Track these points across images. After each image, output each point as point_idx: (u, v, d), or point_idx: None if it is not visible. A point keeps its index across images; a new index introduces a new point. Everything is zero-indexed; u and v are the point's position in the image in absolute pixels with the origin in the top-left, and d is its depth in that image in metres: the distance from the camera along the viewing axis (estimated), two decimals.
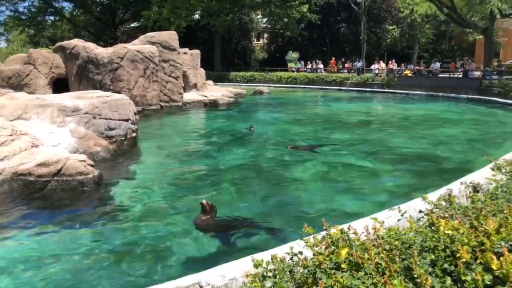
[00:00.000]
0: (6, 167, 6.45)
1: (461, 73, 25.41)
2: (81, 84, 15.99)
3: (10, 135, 7.07)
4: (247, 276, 2.02)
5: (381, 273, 1.82)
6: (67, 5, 46.35)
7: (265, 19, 44.19)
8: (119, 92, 12.82)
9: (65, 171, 6.48)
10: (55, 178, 6.42)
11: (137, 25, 43.14)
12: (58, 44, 17.85)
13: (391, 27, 42.70)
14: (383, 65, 31.79)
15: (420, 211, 2.74)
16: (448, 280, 1.78)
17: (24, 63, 16.35)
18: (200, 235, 4.92)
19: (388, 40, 43.16)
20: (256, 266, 2.01)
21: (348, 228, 2.26)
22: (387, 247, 2.02)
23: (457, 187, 4.11)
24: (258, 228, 5.09)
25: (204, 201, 5.33)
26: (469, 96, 21.29)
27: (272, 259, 2.07)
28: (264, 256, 2.32)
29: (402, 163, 8.37)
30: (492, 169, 4.28)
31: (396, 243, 2.08)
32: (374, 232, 2.21)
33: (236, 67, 40.19)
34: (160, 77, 17.13)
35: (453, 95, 22.27)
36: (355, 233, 2.21)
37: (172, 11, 33.48)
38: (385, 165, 8.11)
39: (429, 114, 16.29)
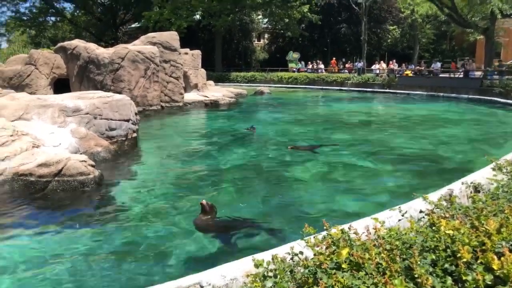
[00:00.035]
0: (7, 168, 6.46)
1: (462, 73, 25.39)
2: (82, 85, 16.02)
3: (11, 136, 7.08)
4: (247, 276, 2.02)
5: (381, 273, 1.81)
6: (68, 6, 46.44)
7: (265, 20, 44.22)
8: (120, 93, 12.84)
9: (66, 172, 6.49)
10: (56, 178, 6.43)
11: (138, 25, 43.22)
12: (59, 44, 17.89)
13: (391, 28, 42.68)
14: (384, 65, 31.77)
15: (421, 211, 2.73)
16: (449, 280, 1.78)
17: (25, 63, 16.38)
18: (200, 235, 4.92)
19: (388, 41, 43.15)
20: (256, 266, 2.01)
21: (349, 228, 2.26)
22: (387, 247, 2.02)
23: (458, 187, 4.10)
24: (258, 229, 5.08)
25: (204, 202, 5.33)
26: (470, 96, 21.27)
27: (272, 259, 2.06)
28: (265, 256, 2.32)
29: (402, 163, 8.36)
30: (493, 169, 4.27)
31: (397, 243, 2.08)
32: (375, 232, 2.20)
33: (236, 68, 40.21)
34: (161, 78, 17.14)
35: (453, 95, 22.26)
36: (355, 233, 2.20)
37: (173, 11, 33.52)
38: (385, 165, 8.10)
39: (430, 114, 16.27)
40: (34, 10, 42.84)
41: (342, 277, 1.76)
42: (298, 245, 2.43)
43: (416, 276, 1.76)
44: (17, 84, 15.87)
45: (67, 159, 6.66)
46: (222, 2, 34.13)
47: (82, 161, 6.75)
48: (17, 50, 40.84)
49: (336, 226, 2.27)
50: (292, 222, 5.20)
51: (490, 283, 1.73)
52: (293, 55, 37.56)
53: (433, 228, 2.25)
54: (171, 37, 18.59)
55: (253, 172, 7.88)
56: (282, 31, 42.11)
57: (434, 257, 1.94)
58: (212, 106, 19.58)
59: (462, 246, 1.90)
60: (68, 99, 9.51)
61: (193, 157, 9.17)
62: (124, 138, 9.54)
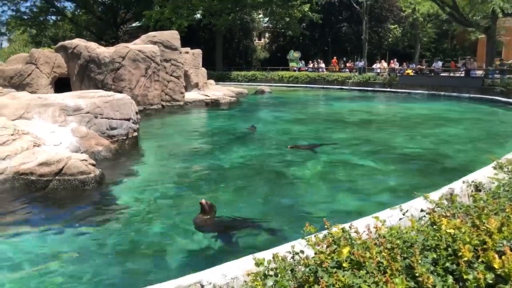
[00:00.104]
0: (8, 167, 6.47)
1: (463, 72, 25.35)
2: (82, 84, 16.02)
3: (12, 135, 7.09)
4: (248, 275, 2.01)
5: (382, 272, 1.81)
6: (69, 5, 46.74)
7: (266, 19, 44.17)
8: (120, 92, 12.83)
9: (67, 171, 6.49)
10: (57, 177, 6.44)
11: (139, 24, 43.21)
12: (60, 43, 17.90)
13: (393, 26, 42.60)
14: (385, 64, 31.75)
15: (422, 210, 2.73)
16: (450, 279, 1.77)
17: (26, 62, 16.40)
18: (200, 234, 4.92)
19: (389, 40, 43.06)
20: (257, 264, 2.01)
21: (350, 227, 2.26)
22: (388, 246, 2.01)
23: (459, 186, 4.10)
24: (258, 228, 5.08)
25: (203, 201, 5.32)
26: (471, 95, 21.25)
27: (273, 258, 2.06)
28: (266, 255, 2.32)
29: (403, 162, 8.35)
30: (494, 168, 4.27)
31: (398, 242, 2.08)
32: (376, 231, 2.20)
33: (237, 67, 40.18)
34: (161, 77, 17.15)
35: (455, 94, 22.23)
36: (356, 232, 2.20)
37: (173, 10, 33.50)
38: (386, 164, 8.09)
39: (431, 113, 16.25)
40: (35, 9, 42.90)
41: (343, 276, 1.76)
42: (299, 244, 2.43)
43: (417, 275, 1.76)
44: (18, 83, 15.89)
45: (68, 158, 6.66)
46: (223, 1, 34.10)
47: (83, 160, 6.75)
48: (18, 49, 40.80)
49: (337, 225, 2.27)
50: (293, 221, 5.20)
51: (491, 282, 1.73)
52: (294, 54, 37.51)
53: (434, 227, 2.24)
54: (172, 36, 18.59)
55: (253, 171, 7.88)
56: (283, 30, 42.05)
57: (435, 256, 1.94)
58: (212, 105, 19.58)
59: (463, 245, 1.90)
60: (68, 98, 9.52)
61: (193, 156, 9.17)
62: (125, 137, 9.54)
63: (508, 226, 2.16)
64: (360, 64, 31.60)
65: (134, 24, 47.74)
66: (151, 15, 33.95)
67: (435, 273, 1.82)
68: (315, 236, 2.18)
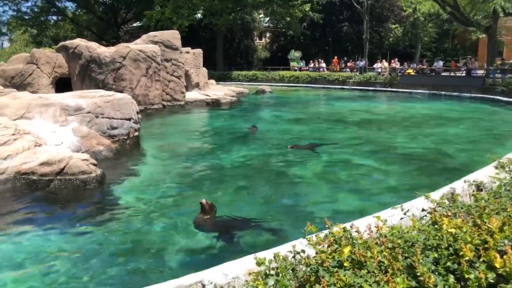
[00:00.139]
0: (9, 166, 6.48)
1: (464, 71, 25.32)
2: (83, 84, 16.03)
3: (13, 134, 7.10)
4: (249, 274, 2.02)
5: (383, 271, 1.81)
6: (69, 5, 46.81)
7: (267, 18, 44.16)
8: (121, 92, 12.84)
9: (68, 170, 6.50)
10: (58, 177, 6.45)
11: (140, 24, 43.21)
12: (60, 43, 17.92)
13: (393, 26, 42.54)
14: (385, 64, 31.71)
15: (423, 210, 2.73)
16: (451, 278, 1.77)
17: (27, 62, 16.41)
18: (201, 234, 4.92)
19: (390, 39, 43.01)
20: (258, 264, 2.01)
21: (351, 227, 2.26)
22: (389, 245, 2.01)
23: (460, 186, 4.10)
24: (259, 228, 5.08)
25: (203, 201, 5.32)
26: (472, 94, 21.22)
27: (274, 257, 2.06)
28: (267, 254, 2.32)
29: (404, 161, 8.35)
30: (496, 167, 4.26)
31: (399, 241, 2.08)
32: (377, 230, 2.20)
33: (238, 66, 40.18)
34: (162, 77, 17.15)
35: (456, 93, 22.20)
36: (357, 231, 2.20)
37: (174, 10, 33.51)
38: (387, 164, 8.09)
39: (432, 113, 16.24)
40: (36, 9, 42.91)
41: (344, 275, 1.76)
42: (300, 244, 2.43)
43: (418, 274, 1.76)
44: (19, 83, 15.91)
45: (69, 157, 6.67)
46: (224, 1, 34.10)
47: (84, 159, 6.76)
48: (19, 49, 40.86)
49: (338, 224, 2.27)
50: (293, 221, 5.20)
51: (492, 281, 1.73)
52: (295, 53, 37.48)
53: (435, 226, 2.24)
54: (173, 36, 18.59)
55: (254, 171, 7.88)
56: (283, 30, 42.04)
57: (436, 255, 1.94)
58: (213, 105, 19.57)
59: (465, 245, 1.89)
60: (69, 98, 9.52)
61: (194, 156, 9.18)
62: (125, 137, 9.55)
63: (510, 225, 2.15)
64: (361, 63, 31.57)
65: (135, 24, 47.75)
66: (152, 15, 33.97)
67: (436, 273, 1.82)
68: (316, 235, 2.18)
